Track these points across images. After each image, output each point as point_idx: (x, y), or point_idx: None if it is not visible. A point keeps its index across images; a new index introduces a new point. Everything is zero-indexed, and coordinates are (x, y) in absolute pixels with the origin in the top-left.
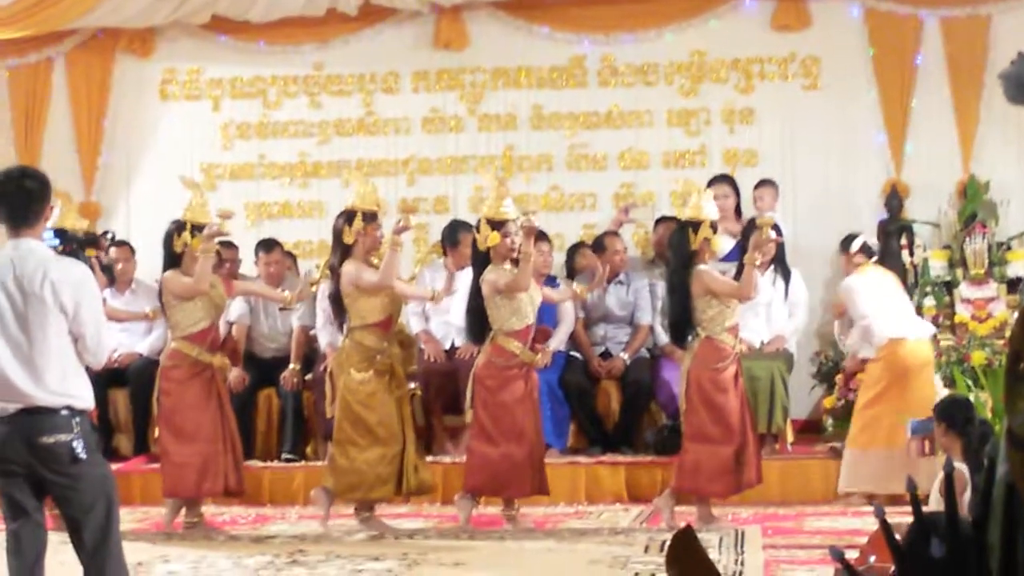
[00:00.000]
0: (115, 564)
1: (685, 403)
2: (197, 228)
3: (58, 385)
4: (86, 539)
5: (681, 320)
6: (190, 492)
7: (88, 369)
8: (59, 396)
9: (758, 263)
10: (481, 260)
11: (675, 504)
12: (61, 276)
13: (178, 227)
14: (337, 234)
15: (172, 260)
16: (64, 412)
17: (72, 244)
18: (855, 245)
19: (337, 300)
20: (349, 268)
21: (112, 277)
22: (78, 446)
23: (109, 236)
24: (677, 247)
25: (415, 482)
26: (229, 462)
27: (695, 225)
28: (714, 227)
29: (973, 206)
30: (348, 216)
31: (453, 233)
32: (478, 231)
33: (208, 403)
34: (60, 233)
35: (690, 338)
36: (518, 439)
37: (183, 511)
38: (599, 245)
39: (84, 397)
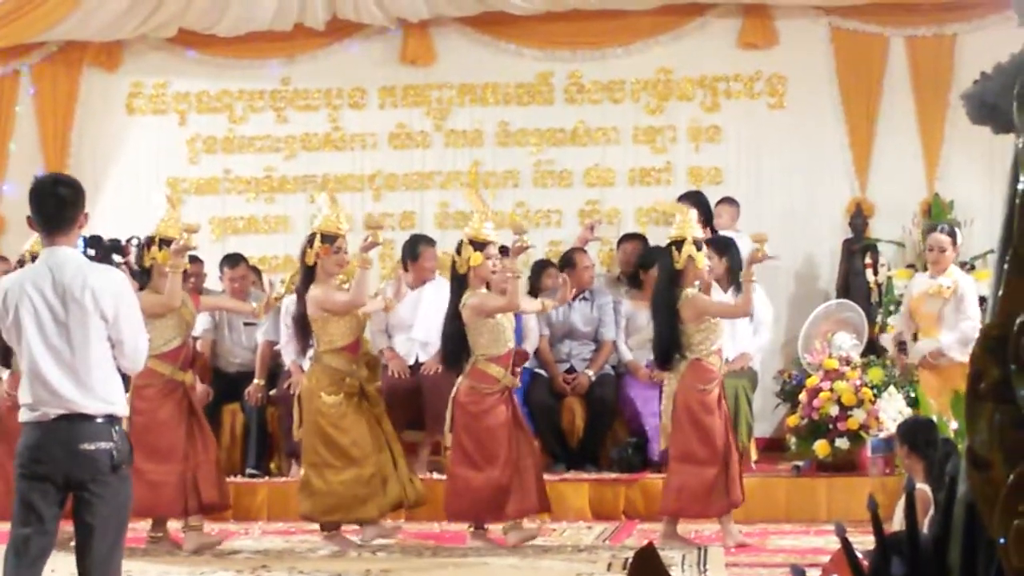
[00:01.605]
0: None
1: (671, 424)
2: (166, 243)
3: (101, 392)
4: (96, 547)
5: (669, 343)
6: (169, 510)
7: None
8: (102, 403)
9: (754, 279)
10: (460, 282)
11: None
12: (101, 283)
13: (147, 242)
14: (301, 256)
15: (146, 276)
16: (102, 420)
17: (102, 251)
18: (960, 236)
19: (303, 323)
20: (316, 293)
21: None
22: (117, 455)
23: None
24: (662, 268)
25: (414, 495)
26: (207, 477)
27: (679, 244)
28: (698, 245)
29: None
30: (310, 238)
31: (413, 247)
32: (459, 253)
33: (181, 421)
34: (93, 240)
35: (676, 359)
36: (502, 463)
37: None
38: (567, 261)
39: (123, 404)
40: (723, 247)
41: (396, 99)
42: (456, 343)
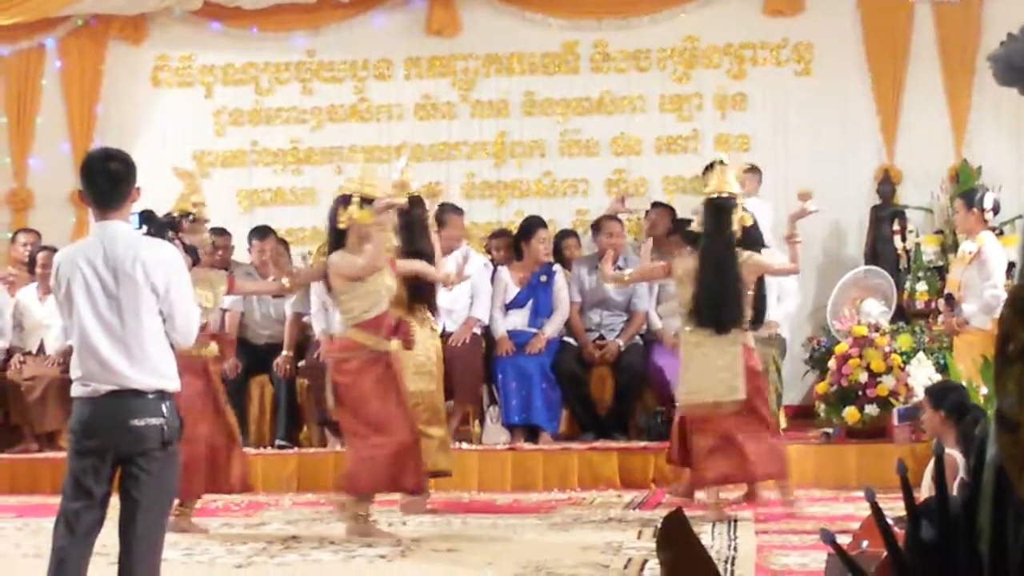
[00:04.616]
0: (157, 552)
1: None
2: (367, 201)
3: (153, 365)
4: (140, 522)
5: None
6: (382, 485)
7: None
8: (153, 377)
9: (799, 239)
10: (730, 241)
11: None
12: (152, 256)
13: (343, 201)
14: (419, 221)
15: (337, 240)
16: (153, 395)
17: (156, 226)
18: (988, 201)
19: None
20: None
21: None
22: (167, 430)
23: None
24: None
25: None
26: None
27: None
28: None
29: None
30: (344, 200)
31: (440, 215)
32: (742, 210)
33: (389, 393)
34: (146, 215)
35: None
36: None
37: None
38: (598, 229)
39: (175, 379)
40: None
41: (422, 70)
42: (739, 304)
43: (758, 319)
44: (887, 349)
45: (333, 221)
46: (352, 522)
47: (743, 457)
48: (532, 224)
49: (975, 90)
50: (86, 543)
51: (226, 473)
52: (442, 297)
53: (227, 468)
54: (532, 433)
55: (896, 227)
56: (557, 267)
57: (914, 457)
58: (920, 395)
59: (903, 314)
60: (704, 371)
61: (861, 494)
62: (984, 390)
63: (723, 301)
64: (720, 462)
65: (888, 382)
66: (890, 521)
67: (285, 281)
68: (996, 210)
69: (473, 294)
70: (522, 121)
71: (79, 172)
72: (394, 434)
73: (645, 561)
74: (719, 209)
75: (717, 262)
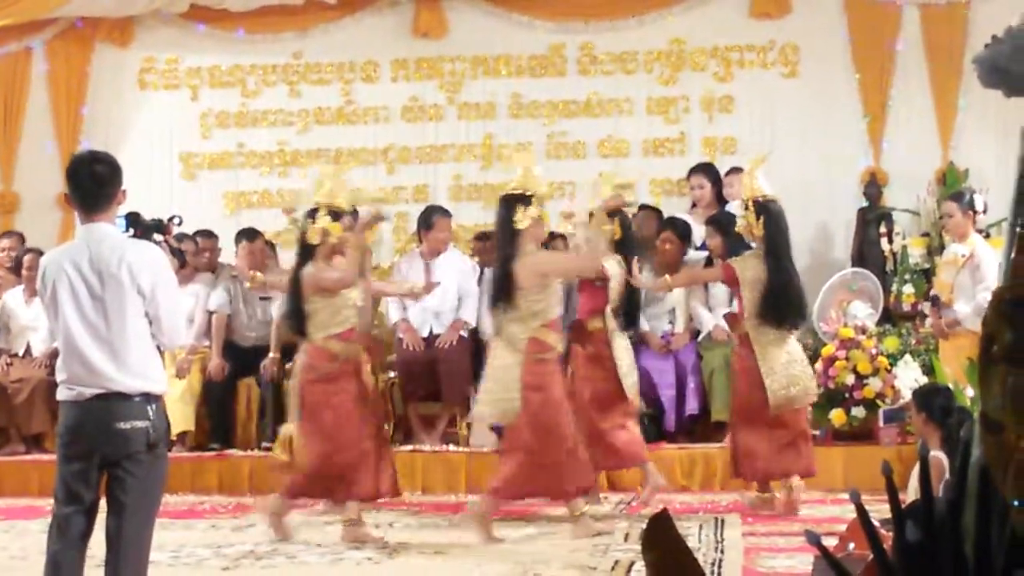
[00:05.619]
0: (144, 554)
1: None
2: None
3: (138, 368)
4: (127, 525)
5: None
6: (554, 493)
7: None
8: (139, 379)
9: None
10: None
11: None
12: (138, 258)
13: (520, 200)
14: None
15: (513, 240)
16: (139, 398)
17: (142, 229)
18: (979, 203)
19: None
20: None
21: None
22: (153, 433)
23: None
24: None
25: None
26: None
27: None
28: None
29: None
30: (518, 199)
31: (428, 217)
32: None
33: (565, 396)
34: (131, 218)
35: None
36: None
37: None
38: None
39: (161, 381)
40: (724, 225)
41: (409, 72)
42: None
43: None
44: (874, 351)
45: (508, 222)
46: (483, 523)
47: (798, 452)
48: None
49: (962, 92)
50: (79, 548)
51: (377, 477)
52: (429, 299)
53: (378, 472)
54: None
55: (883, 229)
56: None
57: (900, 459)
58: (906, 397)
59: (890, 316)
60: (793, 367)
61: (847, 496)
62: (971, 392)
63: (797, 299)
64: (795, 457)
65: (875, 384)
66: (876, 523)
67: (413, 286)
68: (984, 212)
69: (460, 296)
70: (509, 123)
71: (65, 175)
72: (568, 439)
73: (632, 563)
74: (777, 211)
75: (788, 261)
